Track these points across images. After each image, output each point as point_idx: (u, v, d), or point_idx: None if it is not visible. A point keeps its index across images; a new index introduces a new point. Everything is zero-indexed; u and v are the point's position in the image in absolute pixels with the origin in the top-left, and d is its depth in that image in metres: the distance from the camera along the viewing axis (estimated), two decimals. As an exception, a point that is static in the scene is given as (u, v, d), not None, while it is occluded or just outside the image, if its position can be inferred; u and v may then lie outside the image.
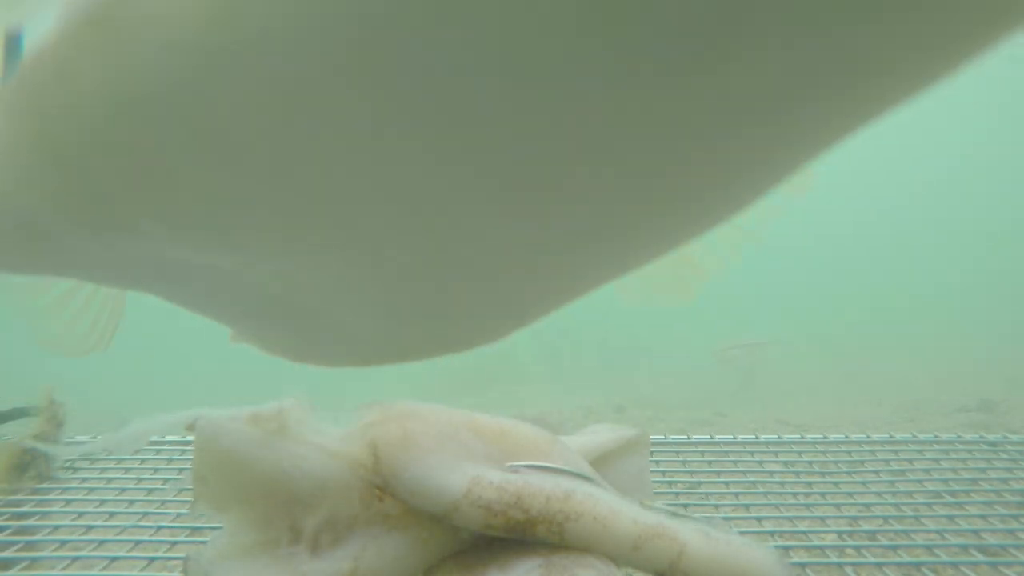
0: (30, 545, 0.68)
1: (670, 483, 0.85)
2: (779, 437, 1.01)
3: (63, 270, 0.33)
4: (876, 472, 0.88)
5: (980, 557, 0.65)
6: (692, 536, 0.43)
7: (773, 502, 0.79)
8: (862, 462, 0.92)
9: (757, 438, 1.01)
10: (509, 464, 0.46)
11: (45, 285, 0.48)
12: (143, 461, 0.92)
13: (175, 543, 0.67)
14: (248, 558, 0.41)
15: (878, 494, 0.81)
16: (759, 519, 0.74)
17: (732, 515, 0.75)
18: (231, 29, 0.17)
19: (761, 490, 0.82)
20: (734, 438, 1.01)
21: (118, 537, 0.69)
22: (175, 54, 0.19)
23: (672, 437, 1.02)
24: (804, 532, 0.70)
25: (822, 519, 0.74)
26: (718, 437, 1.01)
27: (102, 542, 0.67)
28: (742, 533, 0.46)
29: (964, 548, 0.66)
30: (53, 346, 0.49)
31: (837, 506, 0.78)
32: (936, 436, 1.00)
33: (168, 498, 0.79)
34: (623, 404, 3.66)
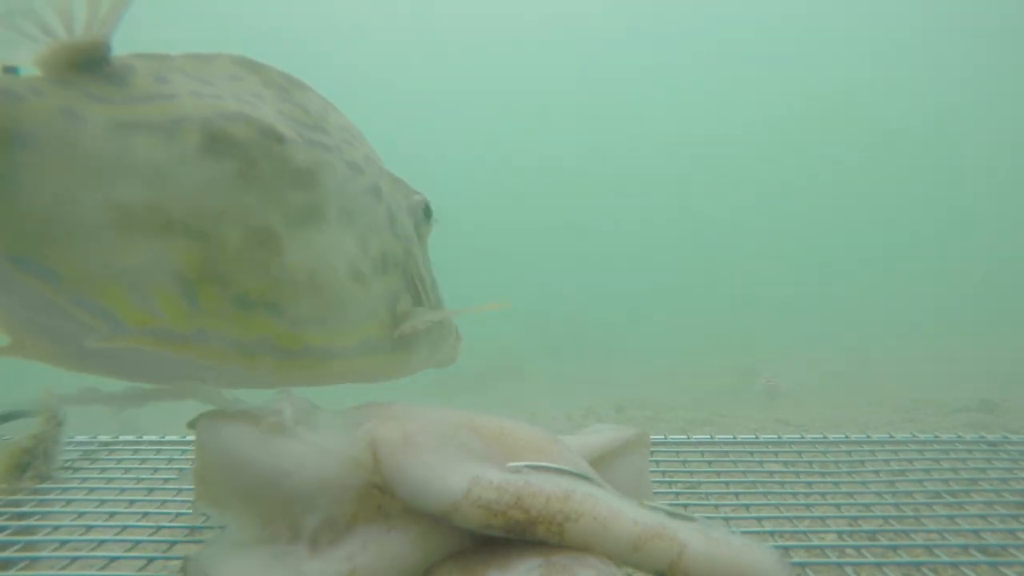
0: (30, 545, 0.68)
1: (670, 483, 0.85)
2: (779, 437, 1.01)
3: None
4: (876, 472, 0.88)
5: (980, 557, 0.65)
6: (692, 536, 0.43)
7: (773, 502, 0.79)
8: (862, 462, 0.92)
9: (757, 438, 1.01)
10: (509, 464, 0.46)
11: None
12: (143, 461, 0.92)
13: (174, 543, 0.67)
14: (247, 557, 0.41)
15: (878, 494, 0.81)
16: (759, 519, 0.74)
17: (732, 515, 0.75)
18: None
19: (761, 490, 0.82)
20: (734, 438, 1.01)
21: (117, 537, 0.69)
22: None
23: (672, 437, 1.02)
24: (804, 532, 0.70)
25: (822, 519, 0.74)
26: (718, 437, 1.01)
27: (102, 542, 0.67)
28: (742, 533, 0.46)
29: (964, 548, 0.66)
30: None
31: (837, 506, 0.78)
32: (936, 436, 1.00)
33: (168, 498, 0.79)
34: (623, 404, 3.65)
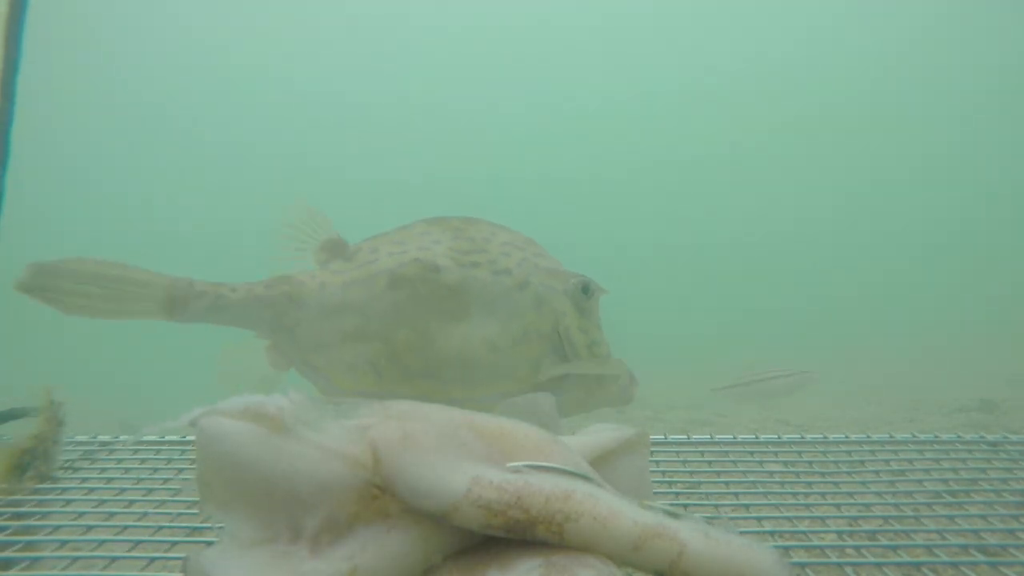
0: (30, 545, 0.68)
1: (670, 483, 0.85)
2: (779, 437, 1.01)
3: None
4: (876, 472, 0.88)
5: (980, 557, 0.65)
6: (692, 536, 0.43)
7: (773, 502, 0.79)
8: (862, 462, 0.92)
9: (757, 438, 1.01)
10: (509, 464, 0.46)
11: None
12: (143, 461, 0.92)
13: (175, 543, 0.67)
14: (248, 557, 0.41)
15: (878, 494, 0.81)
16: (759, 519, 0.74)
17: (732, 515, 0.75)
18: None
19: (761, 490, 0.82)
20: (734, 438, 1.01)
21: (118, 537, 0.69)
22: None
23: (672, 437, 1.02)
24: (804, 532, 0.70)
25: (822, 519, 0.74)
26: (718, 437, 1.01)
27: (102, 542, 0.67)
28: (742, 533, 0.46)
29: (964, 548, 0.66)
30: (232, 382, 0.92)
31: (837, 506, 0.78)
32: (936, 436, 1.00)
33: (167, 498, 0.79)
34: (623, 404, 3.64)
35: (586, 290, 0.97)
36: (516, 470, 0.45)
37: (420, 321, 0.88)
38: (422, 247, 0.91)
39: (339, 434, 0.45)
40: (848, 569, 0.62)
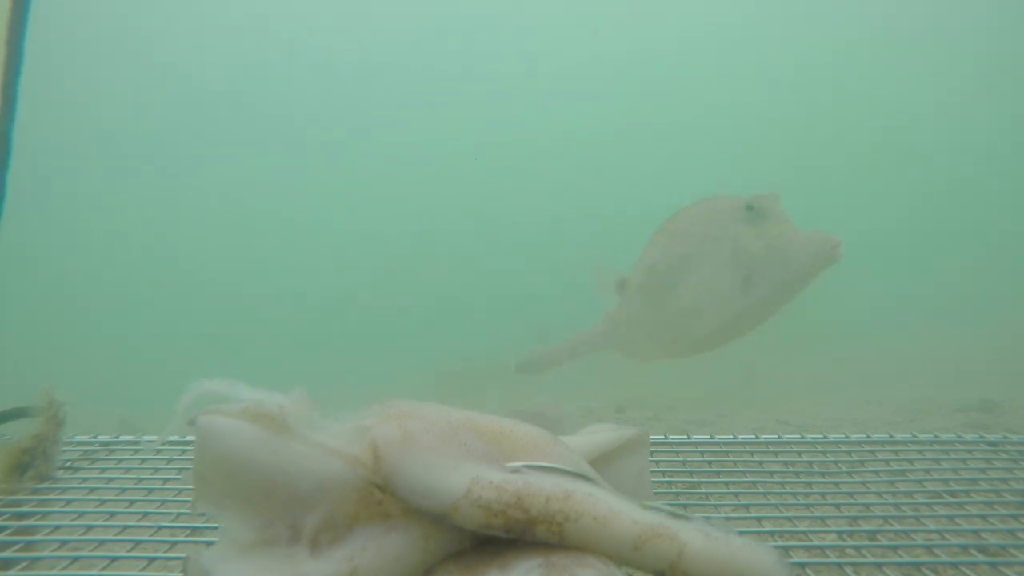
0: (30, 545, 0.68)
1: (670, 483, 0.85)
2: (779, 437, 1.01)
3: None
4: (876, 472, 0.88)
5: (980, 557, 0.65)
6: (692, 536, 0.43)
7: (773, 502, 0.79)
8: (862, 462, 0.92)
9: (757, 438, 1.01)
10: (509, 464, 0.46)
11: None
12: (143, 461, 0.92)
13: (175, 543, 0.67)
14: (248, 557, 0.41)
15: (878, 494, 0.81)
16: (759, 519, 0.74)
17: (732, 515, 0.75)
18: None
19: (761, 490, 0.82)
20: (734, 438, 1.01)
21: (118, 537, 0.69)
22: None
23: (672, 437, 1.02)
24: (804, 532, 0.70)
25: (822, 519, 0.74)
26: (718, 437, 1.01)
27: (102, 542, 0.67)
28: (742, 533, 0.46)
29: (964, 548, 0.66)
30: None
31: (837, 506, 0.78)
32: (936, 436, 1.00)
33: (168, 498, 0.79)
34: (623, 404, 3.65)
35: (749, 208, 1.39)
36: (516, 470, 0.45)
37: (656, 301, 1.48)
38: (650, 254, 1.53)
39: (339, 434, 0.45)
40: (848, 569, 0.62)
